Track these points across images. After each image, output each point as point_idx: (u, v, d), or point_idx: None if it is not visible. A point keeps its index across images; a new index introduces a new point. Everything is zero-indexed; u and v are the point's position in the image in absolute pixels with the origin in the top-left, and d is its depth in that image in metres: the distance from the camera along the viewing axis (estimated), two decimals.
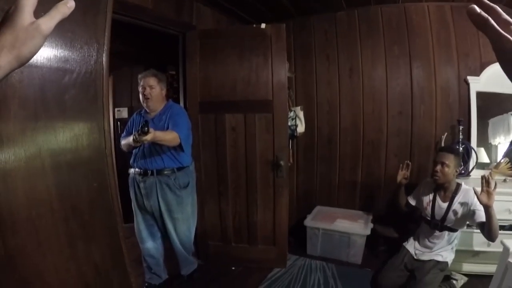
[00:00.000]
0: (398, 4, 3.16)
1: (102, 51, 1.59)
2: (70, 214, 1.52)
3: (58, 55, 1.43)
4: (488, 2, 0.51)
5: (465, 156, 2.92)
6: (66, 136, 1.48)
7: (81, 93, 1.52)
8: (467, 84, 3.02)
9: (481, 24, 0.50)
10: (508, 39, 0.48)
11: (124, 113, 4.26)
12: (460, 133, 2.93)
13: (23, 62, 0.55)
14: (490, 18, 0.49)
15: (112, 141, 3.69)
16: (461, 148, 2.88)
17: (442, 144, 3.00)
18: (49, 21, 0.55)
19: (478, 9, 0.50)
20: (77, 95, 1.50)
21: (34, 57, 0.56)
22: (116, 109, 4.32)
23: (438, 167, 2.40)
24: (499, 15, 0.51)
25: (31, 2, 0.55)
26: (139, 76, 2.66)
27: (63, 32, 1.43)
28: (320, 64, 3.55)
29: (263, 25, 2.83)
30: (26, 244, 1.33)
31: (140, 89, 2.63)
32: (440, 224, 2.45)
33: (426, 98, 3.15)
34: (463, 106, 3.06)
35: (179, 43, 3.11)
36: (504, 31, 0.49)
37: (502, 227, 2.44)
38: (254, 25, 2.90)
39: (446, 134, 3.04)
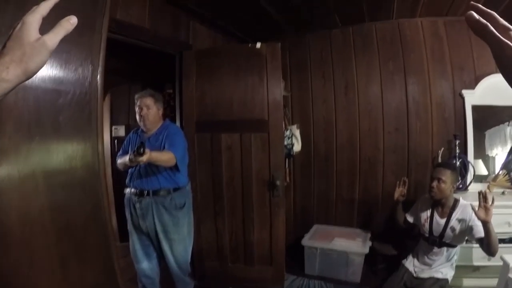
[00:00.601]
0: (392, 21, 3.25)
1: (97, 73, 1.64)
2: (63, 235, 1.53)
3: (53, 76, 1.46)
4: (485, 8, 0.52)
5: (462, 170, 2.95)
6: (60, 157, 1.51)
7: (76, 114, 1.56)
8: (462, 98, 3.07)
9: (479, 30, 0.51)
10: (508, 44, 0.48)
11: (121, 131, 4.27)
12: (457, 148, 2.97)
13: (30, 76, 0.59)
14: (489, 24, 0.50)
15: (109, 159, 3.73)
16: (458, 163, 2.92)
17: (439, 160, 3.04)
18: (53, 37, 0.60)
19: (476, 16, 0.51)
20: (71, 116, 1.54)
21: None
22: (113, 127, 4.33)
23: (435, 183, 2.42)
24: (497, 20, 0.51)
25: (37, 19, 0.59)
26: (136, 96, 2.70)
27: (59, 52, 1.47)
28: (316, 82, 3.62)
29: (258, 44, 2.88)
30: (19, 263, 1.35)
31: (136, 109, 2.66)
32: (439, 241, 2.46)
33: (421, 113, 3.20)
34: (459, 120, 3.10)
35: (175, 62, 3.16)
36: (503, 37, 0.49)
37: (502, 240, 2.46)
38: (250, 44, 2.96)
39: (442, 149, 3.07)
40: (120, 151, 2.84)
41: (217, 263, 3.12)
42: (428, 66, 3.16)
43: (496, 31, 0.50)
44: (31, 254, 1.40)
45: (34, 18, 0.59)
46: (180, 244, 2.63)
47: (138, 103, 2.65)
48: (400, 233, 2.90)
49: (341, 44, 3.48)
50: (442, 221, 2.45)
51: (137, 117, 2.67)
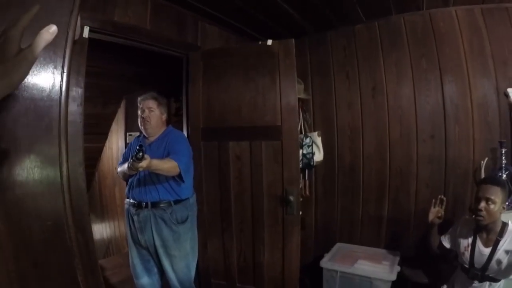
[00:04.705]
0: (422, 12, 2.95)
1: (60, 76, 1.55)
2: (21, 250, 1.45)
3: None
4: None
5: (509, 184, 2.51)
6: (16, 169, 1.42)
7: (33, 123, 1.47)
8: (508, 97, 2.64)
9: None
10: None
11: None
12: (503, 157, 2.59)
13: (14, 89, 0.66)
14: None
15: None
16: (504, 175, 2.54)
17: (482, 172, 2.66)
18: (34, 50, 0.63)
19: None
20: (28, 124, 1.45)
21: None
22: (127, 133, 4.44)
23: (483, 205, 2.03)
24: None
25: (20, 33, 0.63)
26: (139, 98, 2.70)
27: None
28: (339, 84, 3.38)
29: (269, 42, 2.74)
30: None
31: (139, 112, 2.64)
32: (481, 274, 2.09)
33: (461, 117, 2.85)
34: (504, 123, 2.72)
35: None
36: None
37: None
38: (260, 42, 2.83)
39: (486, 159, 2.69)
40: (121, 159, 2.82)
41: (224, 282, 2.97)
42: (467, 62, 2.81)
43: None
44: None
45: (17, 31, 0.62)
46: (182, 261, 2.52)
47: (140, 106, 2.65)
48: (433, 257, 2.57)
49: (367, 41, 3.22)
50: (486, 251, 2.08)
51: (139, 120, 2.67)
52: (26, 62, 0.63)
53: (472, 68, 2.80)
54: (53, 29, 0.64)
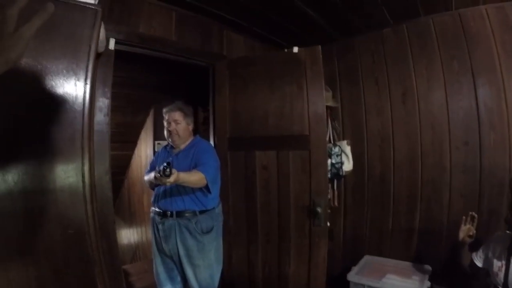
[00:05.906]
0: (451, 12, 2.84)
1: (83, 88, 1.60)
2: (41, 258, 1.51)
3: (34, 90, 1.46)
4: None
5: None
6: (39, 179, 1.49)
7: (57, 133, 1.53)
8: None
9: None
10: None
11: None
12: None
13: (11, 66, 0.67)
14: None
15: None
16: None
17: None
18: (30, 28, 0.68)
19: None
20: (52, 134, 1.51)
21: None
22: (156, 142, 4.55)
23: None
24: None
25: (17, 12, 0.65)
26: (164, 110, 2.72)
27: (36, 64, 1.46)
28: (368, 90, 3.33)
29: (295, 49, 2.74)
30: None
31: (165, 123, 2.67)
32: None
33: (496, 122, 2.70)
34: None
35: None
36: None
37: None
38: (286, 50, 2.83)
39: None
40: (148, 167, 2.87)
41: None
42: (500, 62, 2.67)
43: None
44: (8, 274, 1.41)
45: (14, 11, 0.65)
46: (206, 271, 2.54)
47: (166, 118, 2.67)
48: (464, 274, 2.43)
49: (395, 44, 3.15)
50: None
51: (165, 132, 2.69)
52: (23, 40, 0.67)
53: (506, 69, 2.67)
54: (49, 9, 0.69)
